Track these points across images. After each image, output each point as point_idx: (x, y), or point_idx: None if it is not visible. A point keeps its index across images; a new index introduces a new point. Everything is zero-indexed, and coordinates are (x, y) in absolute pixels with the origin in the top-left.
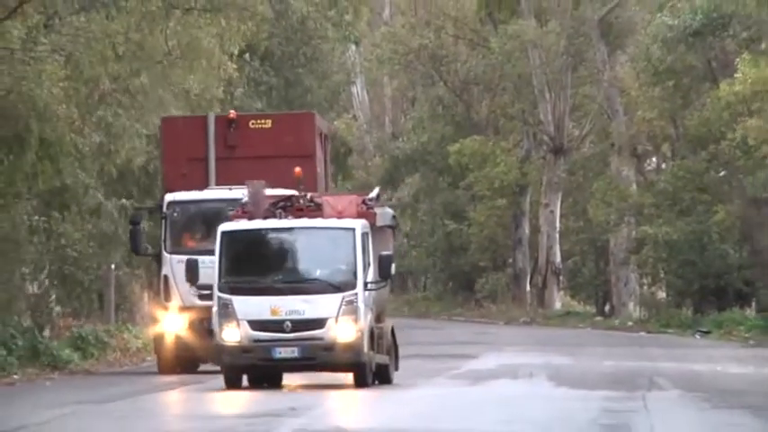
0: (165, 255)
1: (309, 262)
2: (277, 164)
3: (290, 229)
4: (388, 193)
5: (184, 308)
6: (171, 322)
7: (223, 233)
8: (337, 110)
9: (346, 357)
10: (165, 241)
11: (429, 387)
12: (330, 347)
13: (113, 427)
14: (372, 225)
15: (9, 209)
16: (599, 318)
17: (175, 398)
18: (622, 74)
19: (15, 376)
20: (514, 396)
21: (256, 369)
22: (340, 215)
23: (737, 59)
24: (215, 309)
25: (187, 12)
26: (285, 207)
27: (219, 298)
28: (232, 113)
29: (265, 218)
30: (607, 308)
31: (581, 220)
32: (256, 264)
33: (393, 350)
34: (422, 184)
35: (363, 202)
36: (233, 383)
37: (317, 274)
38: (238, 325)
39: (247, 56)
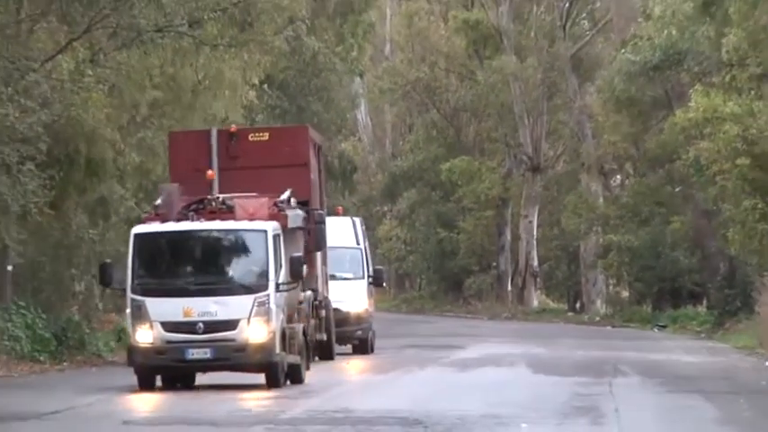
0: None
1: (222, 263)
2: (275, 173)
3: (202, 231)
4: (388, 205)
5: None
6: None
7: (136, 235)
8: (344, 133)
9: (258, 358)
10: None
11: (424, 373)
12: (242, 348)
13: (150, 407)
14: (284, 227)
15: (61, 219)
16: (571, 313)
17: (201, 383)
18: (591, 102)
19: (65, 364)
20: (497, 381)
21: (169, 370)
22: (252, 217)
23: (691, 90)
24: (128, 310)
25: (214, 47)
26: (198, 209)
27: (132, 300)
28: (233, 127)
29: (178, 220)
30: (578, 305)
31: (555, 229)
32: (169, 265)
33: (305, 350)
34: (417, 197)
35: (275, 204)
36: (146, 385)
37: (230, 275)
38: (151, 326)
39: (266, 86)
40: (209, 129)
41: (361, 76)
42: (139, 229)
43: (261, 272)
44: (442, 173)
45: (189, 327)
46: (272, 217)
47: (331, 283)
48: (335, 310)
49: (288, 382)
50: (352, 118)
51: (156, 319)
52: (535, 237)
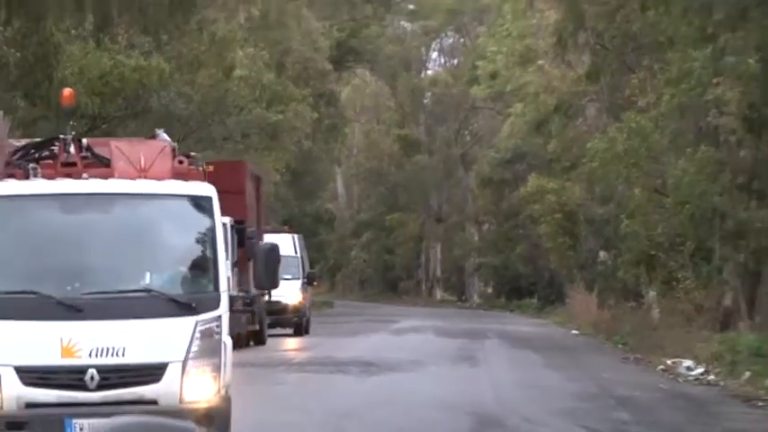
0: None
1: (129, 259)
2: (218, 197)
3: (86, 197)
4: (355, 240)
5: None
6: None
7: None
8: (328, 197)
9: None
10: None
11: (375, 336)
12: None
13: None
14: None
15: None
16: (459, 303)
17: (287, 343)
18: (471, 182)
19: None
20: (417, 341)
21: None
22: (144, 174)
23: (530, 176)
24: None
25: (257, 150)
26: (41, 159)
27: None
28: None
29: (9, 177)
30: (463, 297)
31: (451, 254)
32: (30, 262)
33: None
34: (372, 236)
35: (179, 154)
36: None
37: (147, 281)
38: None
39: (284, 170)
40: None
41: (338, 164)
42: None
43: (206, 275)
44: (386, 222)
45: (72, 377)
46: (177, 175)
47: None
48: (277, 302)
49: None
50: (333, 189)
51: (7, 363)
52: (438, 259)
